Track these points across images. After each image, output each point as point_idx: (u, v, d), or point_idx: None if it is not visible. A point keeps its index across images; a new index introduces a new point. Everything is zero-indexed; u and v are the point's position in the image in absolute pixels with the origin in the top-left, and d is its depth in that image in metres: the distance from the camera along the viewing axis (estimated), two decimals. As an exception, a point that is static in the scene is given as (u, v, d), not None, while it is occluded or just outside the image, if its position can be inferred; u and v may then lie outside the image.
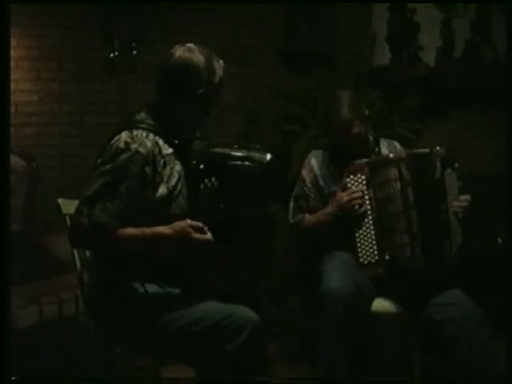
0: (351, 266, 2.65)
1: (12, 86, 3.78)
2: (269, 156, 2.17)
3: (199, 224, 2.05)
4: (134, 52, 4.04)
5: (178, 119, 2.21)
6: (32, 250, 3.31)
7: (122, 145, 2.09)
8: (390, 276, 2.66)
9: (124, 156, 2.07)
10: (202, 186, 2.09)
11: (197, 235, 2.03)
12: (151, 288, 2.14)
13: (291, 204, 2.93)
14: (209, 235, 2.04)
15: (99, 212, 2.03)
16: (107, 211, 2.03)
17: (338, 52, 4.53)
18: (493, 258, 3.52)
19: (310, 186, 2.89)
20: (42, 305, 2.99)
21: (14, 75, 3.78)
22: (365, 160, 2.77)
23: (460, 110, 4.63)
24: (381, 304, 2.68)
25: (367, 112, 2.92)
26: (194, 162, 2.16)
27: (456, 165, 2.68)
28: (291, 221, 2.91)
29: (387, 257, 2.65)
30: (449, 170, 2.65)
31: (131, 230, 2.06)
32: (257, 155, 2.17)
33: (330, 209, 2.77)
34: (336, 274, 2.57)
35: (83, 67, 4.00)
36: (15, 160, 3.50)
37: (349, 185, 2.72)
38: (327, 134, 3.29)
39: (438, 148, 2.65)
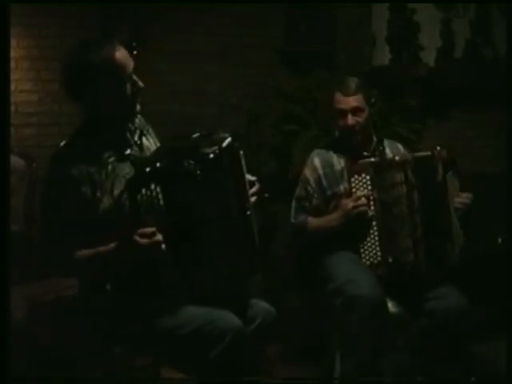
0: (367, 268, 2.65)
1: (12, 86, 3.78)
2: (219, 146, 2.07)
3: (144, 230, 1.96)
4: (134, 52, 4.03)
5: (105, 119, 2.14)
6: (32, 250, 3.30)
7: (55, 169, 2.10)
8: (392, 277, 2.66)
9: (57, 183, 2.06)
10: (139, 196, 1.99)
11: (144, 241, 1.95)
12: (129, 292, 2.11)
13: (293, 204, 2.90)
14: (159, 237, 1.97)
15: (51, 242, 2.07)
16: (56, 240, 2.06)
17: (338, 52, 4.53)
18: (493, 258, 3.52)
19: (313, 185, 2.86)
20: (42, 305, 2.98)
21: (13, 75, 3.77)
22: (369, 160, 2.75)
23: (460, 110, 4.63)
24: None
25: (373, 99, 2.90)
26: (134, 171, 2.09)
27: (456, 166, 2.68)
28: (293, 221, 2.89)
29: (390, 260, 2.64)
30: (450, 173, 2.64)
31: (86, 253, 2.04)
32: (204, 149, 2.07)
33: (335, 216, 2.75)
34: (362, 278, 2.57)
35: (83, 67, 3.99)
36: (15, 160, 3.49)
37: (353, 184, 2.70)
38: (327, 134, 3.29)
39: (438, 149, 2.64)
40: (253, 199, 2.22)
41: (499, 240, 3.75)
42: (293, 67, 4.42)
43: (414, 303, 2.63)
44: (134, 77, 2.16)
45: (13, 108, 3.81)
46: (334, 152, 2.89)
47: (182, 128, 3.88)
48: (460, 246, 2.65)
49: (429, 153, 2.66)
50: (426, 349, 2.61)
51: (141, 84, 2.16)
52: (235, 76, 4.32)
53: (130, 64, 2.17)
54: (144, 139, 2.25)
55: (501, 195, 3.01)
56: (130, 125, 2.21)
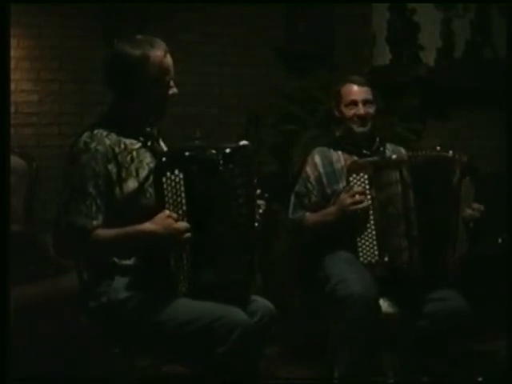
0: (362, 267, 2.66)
1: (12, 86, 3.78)
2: (234, 144, 2.16)
3: (175, 215, 2.04)
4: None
5: (133, 112, 2.21)
6: (32, 250, 3.31)
7: (81, 145, 2.12)
8: (389, 277, 2.66)
9: (85, 157, 2.09)
10: (164, 179, 2.05)
11: (179, 224, 2.02)
12: (135, 289, 2.13)
13: (292, 199, 2.90)
14: (188, 234, 2.03)
15: (74, 216, 2.04)
16: (82, 213, 2.04)
17: (338, 52, 4.53)
18: (493, 258, 3.52)
19: (313, 183, 2.86)
20: (42, 305, 2.98)
21: (13, 75, 3.78)
22: (369, 159, 2.76)
23: (460, 110, 4.62)
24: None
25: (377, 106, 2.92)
26: (158, 156, 2.14)
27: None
28: (291, 216, 2.89)
29: (386, 259, 2.65)
30: (467, 179, 2.63)
31: (112, 231, 2.06)
32: (222, 144, 2.16)
33: (332, 209, 2.75)
34: (354, 277, 2.57)
35: (83, 67, 4.00)
36: (15, 160, 3.50)
37: (351, 183, 2.70)
38: (327, 134, 3.30)
39: (461, 154, 2.63)
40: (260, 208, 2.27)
41: (499, 240, 3.75)
42: (293, 67, 4.42)
43: (412, 304, 2.63)
44: (172, 82, 2.22)
45: (13, 108, 3.81)
46: (335, 150, 2.90)
47: (183, 128, 3.90)
48: (462, 252, 2.64)
49: (450, 154, 2.65)
50: (425, 349, 2.61)
51: (175, 90, 2.22)
52: (235, 76, 4.32)
53: (172, 70, 2.22)
54: (160, 139, 2.32)
55: (501, 195, 3.01)
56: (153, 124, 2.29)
